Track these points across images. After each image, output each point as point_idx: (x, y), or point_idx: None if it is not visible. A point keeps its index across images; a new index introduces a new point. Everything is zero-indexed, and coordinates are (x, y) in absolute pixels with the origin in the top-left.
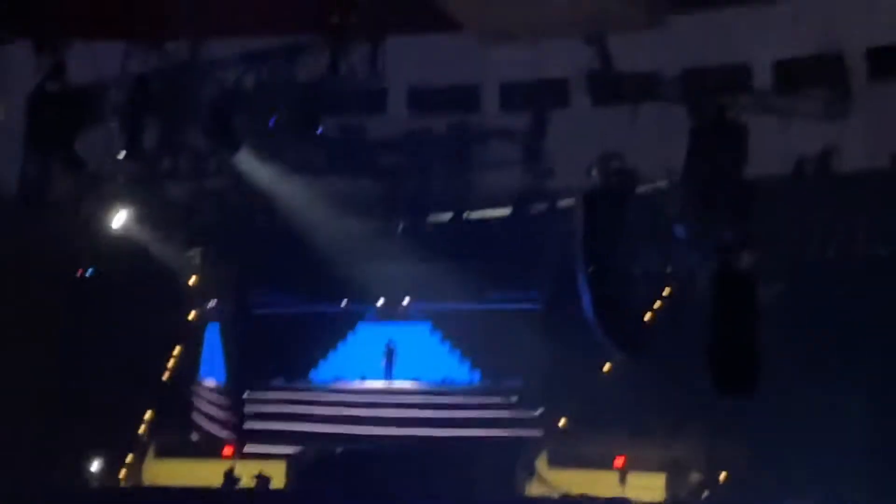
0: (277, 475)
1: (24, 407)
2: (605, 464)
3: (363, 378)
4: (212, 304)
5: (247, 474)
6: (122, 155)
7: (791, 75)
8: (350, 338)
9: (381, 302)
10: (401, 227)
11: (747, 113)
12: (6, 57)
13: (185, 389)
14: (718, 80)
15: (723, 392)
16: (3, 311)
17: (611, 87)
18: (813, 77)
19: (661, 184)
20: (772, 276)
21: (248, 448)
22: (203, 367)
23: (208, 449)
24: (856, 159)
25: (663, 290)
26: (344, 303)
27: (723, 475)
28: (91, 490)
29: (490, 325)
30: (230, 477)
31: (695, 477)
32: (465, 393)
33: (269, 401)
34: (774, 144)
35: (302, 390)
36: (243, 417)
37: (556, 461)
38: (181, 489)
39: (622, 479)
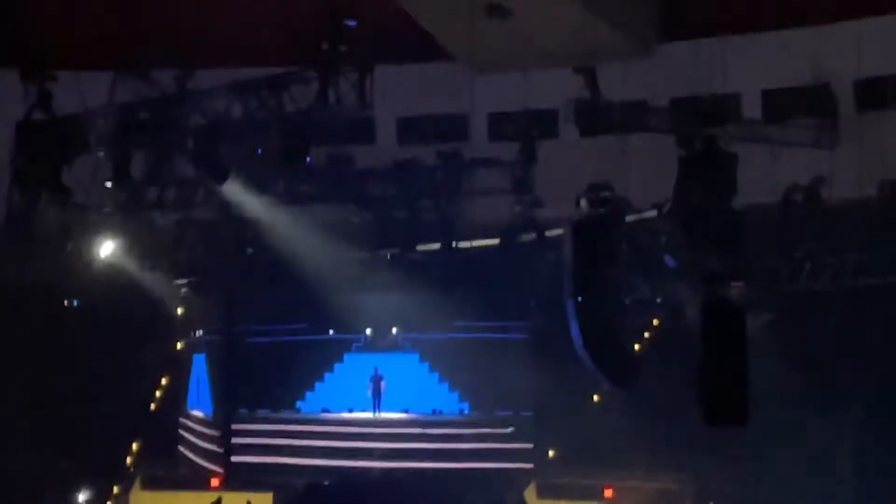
0: None
1: (10, 438)
2: (593, 495)
3: (350, 409)
4: (199, 334)
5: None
6: (109, 184)
7: (780, 105)
8: (337, 368)
9: (369, 331)
10: (389, 256)
11: (736, 142)
12: None
13: (171, 420)
14: (707, 109)
15: (712, 423)
16: None
17: (600, 117)
18: (802, 107)
19: (650, 213)
20: (761, 305)
21: (235, 479)
22: (190, 398)
23: (195, 480)
24: (845, 189)
25: (652, 320)
26: (331, 332)
27: None
28: None
29: (479, 355)
30: None
31: None
32: (456, 424)
33: (256, 432)
34: (763, 174)
35: (289, 421)
36: (230, 448)
37: (545, 493)
38: None
39: None
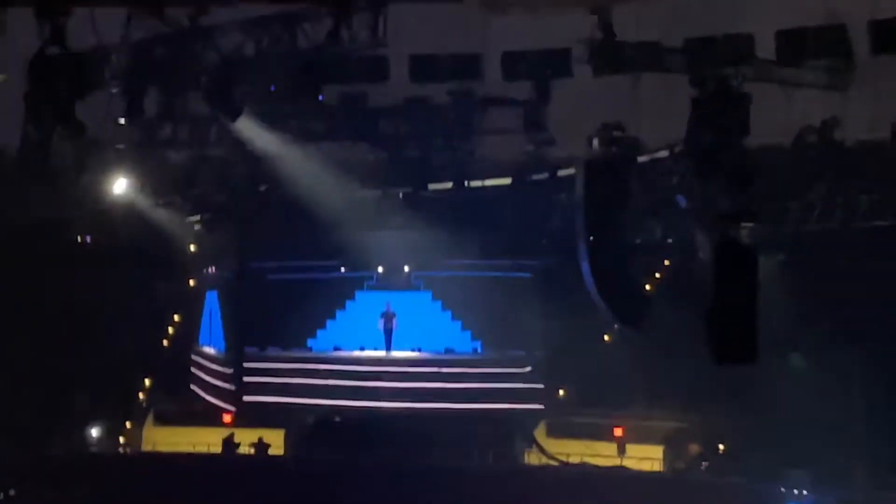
0: (276, 442)
1: (24, 374)
2: (603, 435)
3: (362, 348)
4: (211, 270)
5: (245, 441)
6: (122, 121)
7: (794, 46)
8: (349, 306)
9: (380, 269)
10: (401, 194)
11: (749, 83)
12: (7, 22)
13: (184, 357)
14: (721, 49)
15: (722, 362)
16: (3, 278)
17: (613, 56)
18: (816, 48)
19: (662, 154)
20: (772, 246)
21: (247, 416)
22: (202, 335)
23: (207, 416)
24: (858, 130)
25: (664, 260)
26: (343, 270)
27: (721, 446)
28: (91, 457)
29: (491, 294)
30: (229, 444)
31: (693, 448)
32: (468, 364)
33: (267, 370)
34: (776, 114)
35: (300, 359)
36: (242, 385)
37: (556, 432)
38: (181, 455)
39: (620, 450)
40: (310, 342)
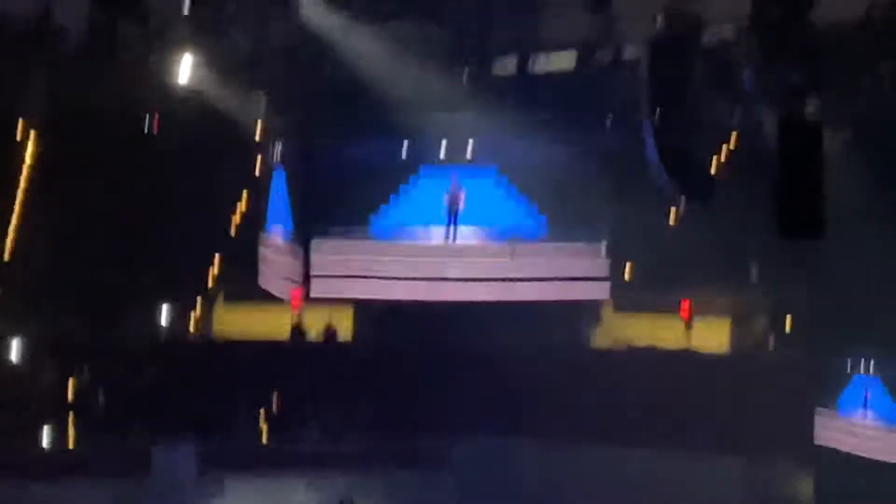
0: (345, 325)
1: (95, 254)
2: (670, 309)
3: (427, 225)
4: (278, 151)
5: (314, 324)
6: (187, 3)
7: None
8: (413, 182)
9: (444, 144)
10: (466, 73)
11: None
12: None
13: (253, 237)
14: None
15: (788, 236)
16: (74, 163)
17: None
18: None
19: (728, 30)
20: (840, 123)
21: (316, 295)
22: (270, 215)
23: (276, 297)
24: None
25: (730, 137)
26: (406, 145)
27: (788, 323)
28: (162, 340)
29: (556, 171)
30: (297, 330)
31: (760, 324)
32: (541, 249)
33: (335, 250)
34: None
35: (366, 240)
36: (310, 265)
37: (622, 307)
38: (251, 342)
39: (687, 326)
40: (373, 220)
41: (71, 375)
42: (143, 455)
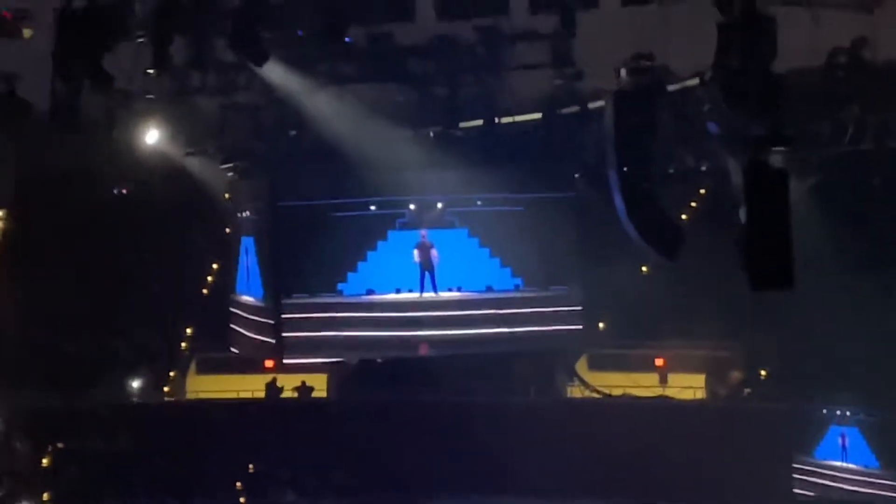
0: (319, 385)
1: (66, 323)
2: (644, 366)
3: (398, 290)
4: (246, 216)
5: (288, 385)
6: (151, 71)
7: None
8: (381, 246)
9: (412, 206)
10: (432, 134)
11: (776, 5)
12: None
13: (224, 304)
14: None
15: (758, 287)
16: (41, 230)
17: None
18: None
19: (692, 81)
20: (805, 169)
21: (289, 360)
22: (239, 282)
23: (250, 363)
24: (888, 50)
25: (698, 189)
26: (372, 208)
27: (763, 372)
28: (135, 407)
29: (527, 228)
30: (273, 388)
31: (735, 375)
32: (513, 302)
33: (307, 314)
34: (805, 37)
35: (339, 303)
36: (282, 330)
37: (597, 365)
38: (225, 402)
39: (662, 380)
40: (340, 286)
41: (44, 445)
42: None
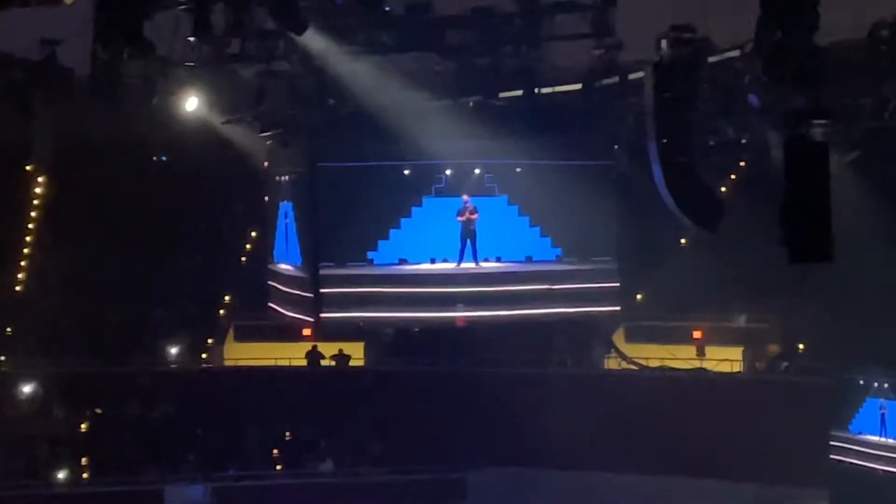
0: (356, 353)
1: (105, 294)
2: (682, 337)
3: (432, 260)
4: (284, 184)
5: (325, 354)
6: (191, 39)
7: None
8: (415, 212)
9: (448, 172)
10: (471, 104)
11: None
12: None
13: (262, 272)
14: None
15: (796, 260)
16: (81, 197)
17: None
18: None
19: (733, 53)
20: (846, 143)
21: (326, 329)
22: (278, 249)
23: (288, 331)
24: None
25: (738, 161)
26: (406, 172)
27: (800, 345)
28: (174, 373)
29: (568, 198)
30: (311, 356)
31: (772, 348)
32: (561, 277)
33: (345, 281)
34: (847, 10)
35: (375, 268)
36: (320, 297)
37: (634, 336)
38: (264, 369)
39: (700, 353)
40: (371, 255)
41: (83, 411)
42: (156, 495)
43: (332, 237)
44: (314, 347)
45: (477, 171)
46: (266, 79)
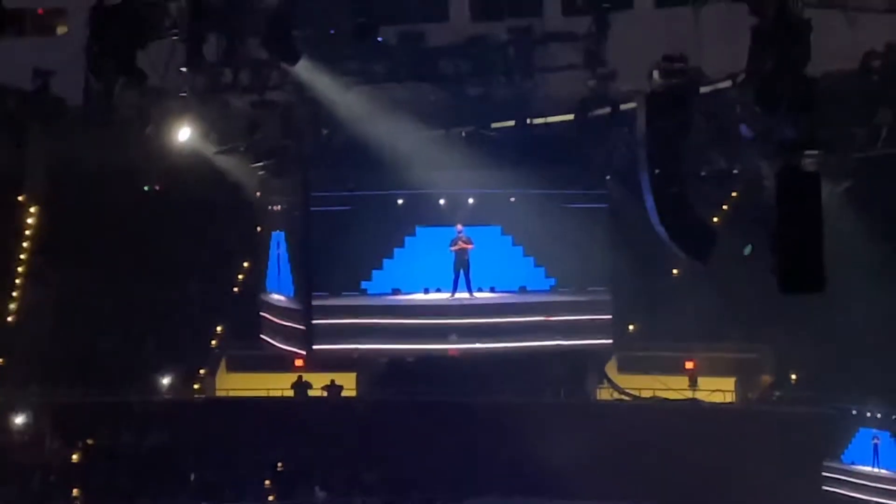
0: (348, 384)
1: (96, 324)
2: (675, 368)
3: (426, 290)
4: (277, 214)
5: (318, 384)
6: (184, 69)
7: None
8: (408, 242)
9: (442, 201)
10: (464, 134)
11: (811, 8)
12: None
13: (254, 302)
14: None
15: (788, 291)
16: (73, 228)
17: None
18: None
19: (725, 84)
20: (838, 173)
21: (318, 360)
22: (270, 279)
23: (279, 361)
24: None
25: (730, 192)
26: (399, 202)
27: (793, 376)
28: (166, 403)
29: (561, 228)
30: (300, 386)
31: (765, 379)
32: (554, 309)
33: (338, 311)
34: (839, 40)
35: (368, 299)
36: (312, 329)
37: (627, 366)
38: (256, 400)
39: (692, 383)
40: (364, 285)
41: (75, 441)
42: None
43: (325, 267)
44: (299, 378)
45: (470, 200)
46: (259, 109)
